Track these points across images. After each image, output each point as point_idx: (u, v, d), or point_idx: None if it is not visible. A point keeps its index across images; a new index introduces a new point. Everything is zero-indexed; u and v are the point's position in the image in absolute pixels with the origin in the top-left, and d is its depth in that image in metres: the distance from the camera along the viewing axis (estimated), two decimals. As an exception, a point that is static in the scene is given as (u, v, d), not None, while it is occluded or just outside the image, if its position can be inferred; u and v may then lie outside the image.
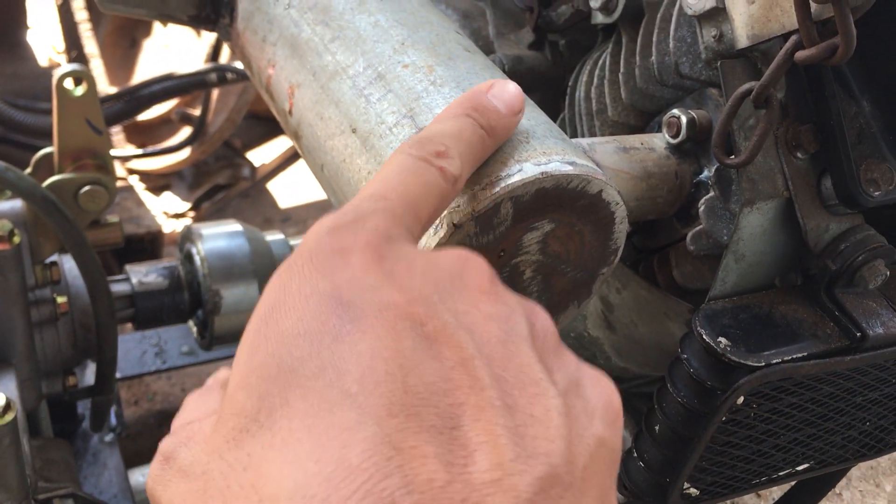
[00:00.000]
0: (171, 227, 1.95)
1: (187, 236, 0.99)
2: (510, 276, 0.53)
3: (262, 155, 2.21)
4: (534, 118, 0.53)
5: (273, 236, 1.02)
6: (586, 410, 0.35)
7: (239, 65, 1.69)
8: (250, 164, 2.12)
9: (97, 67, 1.92)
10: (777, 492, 1.58)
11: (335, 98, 0.58)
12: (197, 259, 0.96)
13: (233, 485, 0.30)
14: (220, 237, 0.96)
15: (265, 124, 2.32)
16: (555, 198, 0.50)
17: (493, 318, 0.35)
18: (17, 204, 0.79)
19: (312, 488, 0.28)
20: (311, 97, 0.60)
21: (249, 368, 0.32)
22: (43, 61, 2.22)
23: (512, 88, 0.48)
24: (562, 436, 0.32)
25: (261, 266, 0.96)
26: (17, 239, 0.74)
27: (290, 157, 2.18)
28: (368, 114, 0.55)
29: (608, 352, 0.81)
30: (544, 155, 0.50)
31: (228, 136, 1.96)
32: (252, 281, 0.96)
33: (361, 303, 0.32)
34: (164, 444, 0.35)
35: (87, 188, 0.76)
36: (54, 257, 0.85)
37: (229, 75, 1.66)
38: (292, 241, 1.03)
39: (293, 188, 2.19)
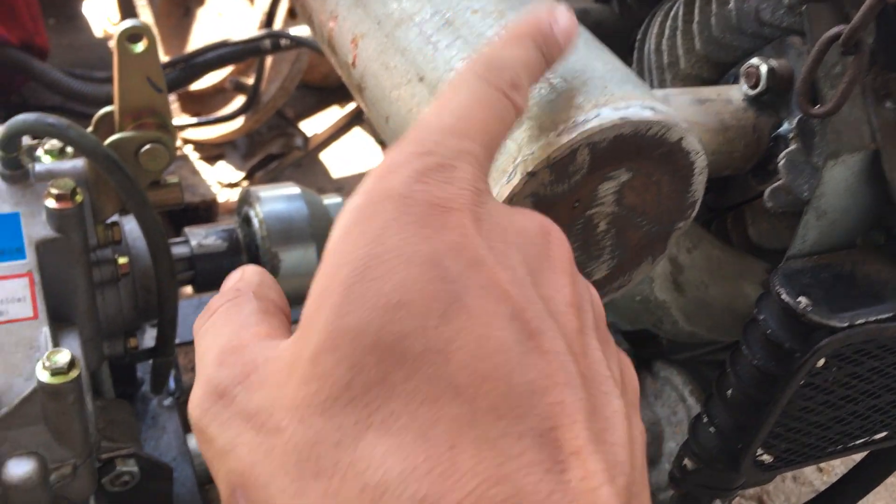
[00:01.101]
0: (225, 196, 1.96)
1: (245, 199, 0.98)
2: (584, 228, 0.51)
3: (314, 125, 2.21)
4: (610, 63, 0.51)
5: (331, 199, 1.01)
6: (633, 405, 0.34)
7: (293, 31, 1.68)
8: (303, 133, 2.12)
9: (152, 37, 1.93)
10: (839, 465, 1.55)
11: (401, 46, 0.56)
12: (255, 221, 0.95)
13: (323, 458, 0.28)
14: (278, 200, 0.95)
15: (317, 94, 2.31)
16: (633, 145, 0.48)
17: (572, 306, 0.33)
18: (78, 163, 0.79)
19: (423, 487, 0.26)
20: (376, 47, 0.58)
21: (339, 331, 0.28)
22: (98, 32, 2.24)
23: (570, 24, 0.44)
24: (628, 441, 0.31)
25: (319, 229, 0.95)
26: (79, 198, 0.74)
27: (343, 128, 2.17)
28: (437, 61, 0.53)
29: (676, 315, 0.78)
30: (623, 100, 0.47)
31: (281, 106, 1.96)
32: (310, 244, 0.95)
33: (465, 279, 0.29)
34: (214, 374, 0.32)
35: (147, 147, 0.76)
36: (115, 217, 0.85)
37: (283, 42, 1.65)
38: (349, 205, 1.02)
39: (345, 158, 2.19)
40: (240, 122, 1.93)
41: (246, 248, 0.97)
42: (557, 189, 0.48)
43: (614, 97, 0.47)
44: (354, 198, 0.32)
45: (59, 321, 0.76)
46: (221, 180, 2.01)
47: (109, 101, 0.78)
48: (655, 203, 0.52)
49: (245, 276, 0.37)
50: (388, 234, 0.29)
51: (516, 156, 0.47)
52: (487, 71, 0.37)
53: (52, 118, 0.70)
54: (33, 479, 0.70)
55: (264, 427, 0.29)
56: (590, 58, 0.50)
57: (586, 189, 0.49)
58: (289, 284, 0.94)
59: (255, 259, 0.96)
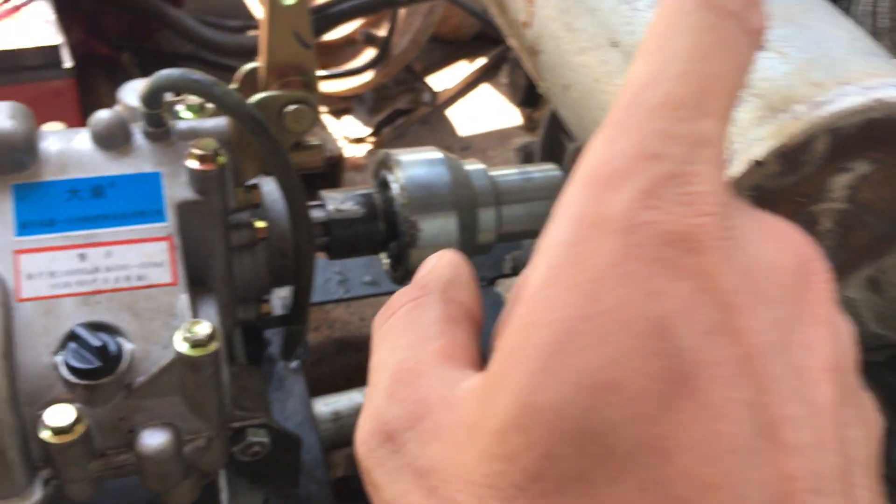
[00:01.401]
0: (350, 152, 1.93)
1: (384, 163, 0.93)
2: (803, 227, 0.43)
3: (442, 80, 2.15)
4: (850, 31, 0.42)
5: (473, 165, 0.94)
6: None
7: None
8: (430, 88, 2.06)
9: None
10: None
11: (590, 5, 0.49)
12: (395, 187, 0.90)
13: None
14: (419, 164, 0.90)
15: (446, 48, 2.25)
16: (881, 132, 0.39)
17: (830, 371, 0.26)
18: (221, 122, 0.75)
19: None
20: (558, 5, 0.51)
21: (532, 409, 0.24)
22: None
23: None
24: None
25: (460, 197, 0.89)
26: (221, 159, 0.70)
27: (471, 83, 2.11)
28: (634, 24, 0.46)
29: (865, 316, 0.69)
30: (872, 77, 0.39)
31: (411, 60, 1.91)
32: (451, 213, 0.89)
33: (698, 353, 0.23)
34: (385, 409, 0.29)
35: (292, 107, 0.71)
36: (253, 180, 0.81)
37: (420, -7, 1.58)
38: (492, 172, 0.95)
39: (473, 115, 2.12)
40: (368, 75, 1.89)
41: (383, 214, 0.92)
42: (783, 181, 0.40)
43: (860, 73, 0.39)
44: (560, 225, 0.25)
45: (196, 286, 0.73)
46: (347, 135, 1.98)
47: (241, 51, 0.74)
48: (892, 199, 0.44)
49: (436, 270, 0.33)
50: (604, 288, 0.24)
51: (737, 137, 0.39)
52: None
53: (197, 74, 0.66)
54: (167, 452, 0.67)
55: (436, 493, 0.26)
56: (827, 24, 0.42)
57: (816, 182, 0.41)
58: (426, 255, 0.89)
59: (392, 227, 0.91)
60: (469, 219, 0.90)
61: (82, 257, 0.68)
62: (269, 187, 0.84)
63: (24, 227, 0.67)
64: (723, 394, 0.23)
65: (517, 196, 0.92)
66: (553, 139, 1.11)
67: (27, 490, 0.64)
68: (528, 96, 1.25)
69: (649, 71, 0.26)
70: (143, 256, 0.69)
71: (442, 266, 0.33)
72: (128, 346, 0.66)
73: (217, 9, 1.93)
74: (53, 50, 1.29)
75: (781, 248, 0.27)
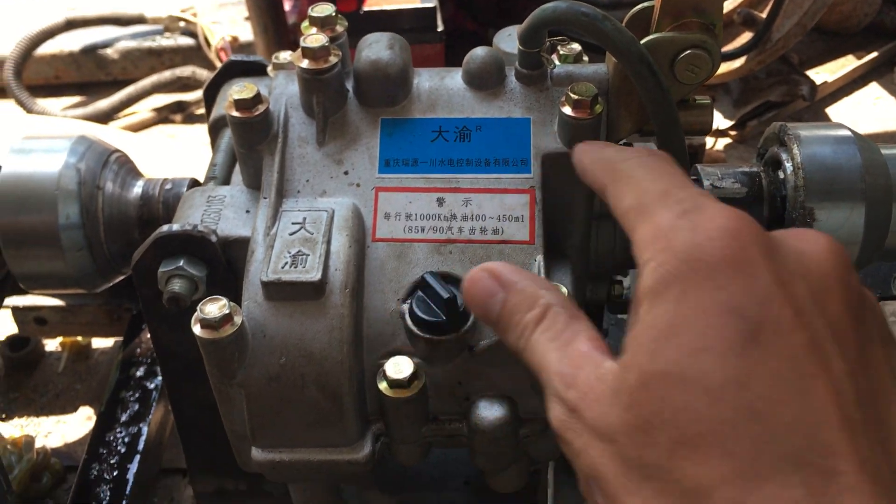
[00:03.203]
0: (709, 143, 1.78)
1: (776, 137, 0.79)
2: None
3: (822, 74, 1.91)
4: None
5: (890, 150, 0.77)
6: None
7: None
8: (811, 82, 1.83)
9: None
10: None
11: None
12: (788, 166, 0.76)
13: (649, 465, 0.36)
14: (822, 142, 0.75)
15: (829, 39, 2.00)
16: None
17: (853, 320, 0.38)
18: (600, 69, 0.67)
19: (731, 491, 0.33)
20: None
21: (651, 373, 0.37)
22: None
23: None
24: None
25: (873, 187, 0.73)
26: (598, 108, 0.62)
27: (857, 80, 1.85)
28: None
29: None
30: None
31: (789, 48, 1.70)
32: (858, 204, 0.73)
33: (760, 317, 0.35)
34: (563, 394, 0.41)
35: (686, 52, 0.60)
36: (625, 140, 0.72)
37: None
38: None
39: (856, 116, 1.86)
40: (740, 61, 1.72)
41: (769, 197, 0.78)
42: None
43: None
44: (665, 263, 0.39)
45: (550, 251, 0.65)
46: (707, 126, 1.82)
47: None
48: None
49: (532, 288, 0.46)
50: (689, 292, 0.37)
51: None
52: None
53: (585, 6, 0.58)
54: (503, 429, 0.60)
55: (604, 437, 0.38)
56: None
57: None
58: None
59: (779, 213, 0.77)
60: (881, 214, 0.73)
61: (440, 202, 0.62)
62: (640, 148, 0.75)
63: (387, 165, 0.63)
64: (778, 341, 0.35)
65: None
66: None
67: (358, 442, 0.60)
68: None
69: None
70: (503, 208, 0.62)
71: (532, 282, 0.46)
72: (475, 305, 0.59)
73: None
74: (430, 12, 1.29)
75: (806, 240, 0.40)
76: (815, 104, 1.86)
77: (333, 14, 0.66)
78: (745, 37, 1.70)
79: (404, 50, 0.65)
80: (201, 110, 1.93)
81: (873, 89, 1.92)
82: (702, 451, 0.34)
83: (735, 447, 0.34)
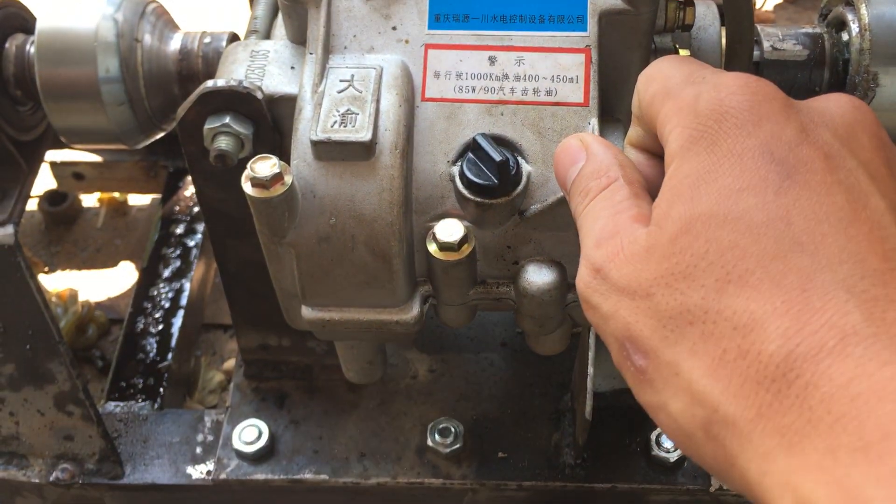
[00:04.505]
0: (759, 2, 1.69)
1: (844, -4, 0.75)
2: None
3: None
4: None
5: (966, 12, 0.73)
6: None
7: None
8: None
9: None
10: None
11: None
12: (854, 27, 0.72)
13: (693, 310, 0.36)
14: (893, 2, 0.71)
15: None
16: None
17: (884, 165, 0.38)
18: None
19: (785, 321, 0.33)
20: None
21: (693, 217, 0.37)
22: None
23: None
24: None
25: (944, 51, 0.70)
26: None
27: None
28: None
29: None
30: None
31: None
32: (927, 69, 0.70)
33: (792, 159, 0.37)
34: (592, 254, 0.40)
35: None
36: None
37: None
38: None
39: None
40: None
41: (830, 61, 0.75)
42: None
43: None
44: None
45: (604, 114, 0.63)
46: (756, -16, 1.74)
47: None
48: None
49: (608, 157, 0.44)
50: (719, 143, 0.38)
51: None
52: None
53: None
54: (551, 293, 0.60)
55: (636, 294, 0.38)
56: None
57: None
58: (884, 118, 0.71)
59: (839, 78, 0.74)
60: (950, 81, 0.70)
61: (492, 61, 0.60)
62: (701, 9, 0.71)
63: (437, 20, 0.61)
64: (815, 178, 0.36)
65: None
66: None
67: (407, 304, 0.61)
68: None
69: None
70: (556, 69, 0.60)
71: (611, 155, 0.44)
72: (526, 168, 0.58)
73: None
74: None
75: (832, 102, 0.40)
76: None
77: None
78: None
79: None
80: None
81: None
82: (751, 286, 0.34)
83: (784, 280, 0.34)
